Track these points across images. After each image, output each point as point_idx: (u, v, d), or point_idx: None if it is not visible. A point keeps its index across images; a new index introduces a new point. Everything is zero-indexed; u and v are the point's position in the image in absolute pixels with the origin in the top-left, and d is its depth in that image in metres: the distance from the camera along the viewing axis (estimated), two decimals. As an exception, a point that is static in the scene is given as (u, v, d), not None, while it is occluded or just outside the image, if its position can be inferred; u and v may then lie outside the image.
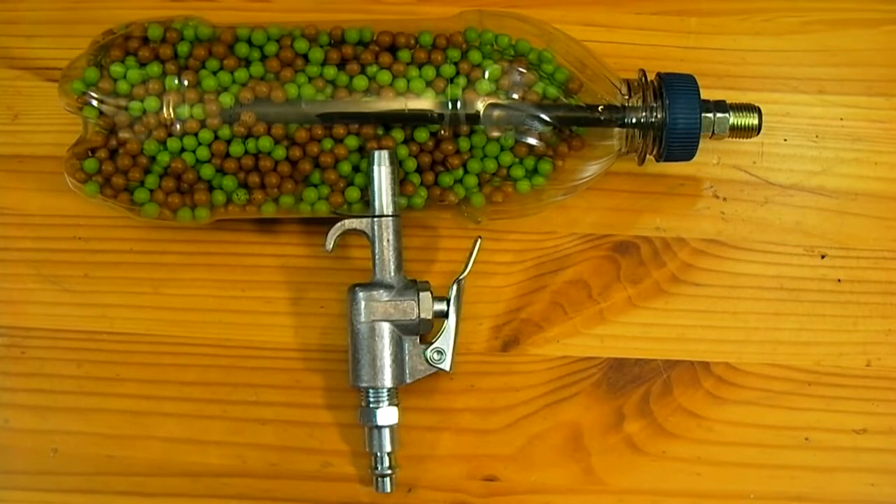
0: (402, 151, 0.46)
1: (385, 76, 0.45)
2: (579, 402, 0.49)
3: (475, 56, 0.46)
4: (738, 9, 0.53)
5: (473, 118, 0.46)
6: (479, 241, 0.48)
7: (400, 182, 0.46)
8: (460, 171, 0.47)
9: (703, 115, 0.46)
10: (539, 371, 0.49)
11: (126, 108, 0.45)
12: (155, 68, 0.45)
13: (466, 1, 0.49)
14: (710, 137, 0.47)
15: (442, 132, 0.46)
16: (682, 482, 0.48)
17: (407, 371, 0.46)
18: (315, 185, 0.46)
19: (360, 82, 0.45)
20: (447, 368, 0.46)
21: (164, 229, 0.50)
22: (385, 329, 0.45)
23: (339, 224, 0.46)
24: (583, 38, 0.48)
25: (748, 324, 0.50)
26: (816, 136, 0.52)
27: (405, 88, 0.45)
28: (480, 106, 0.45)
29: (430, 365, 0.46)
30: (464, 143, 0.46)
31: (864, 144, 0.51)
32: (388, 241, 0.46)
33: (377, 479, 0.46)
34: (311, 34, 0.46)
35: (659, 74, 0.47)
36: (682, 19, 0.53)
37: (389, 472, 0.46)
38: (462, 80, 0.46)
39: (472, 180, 0.47)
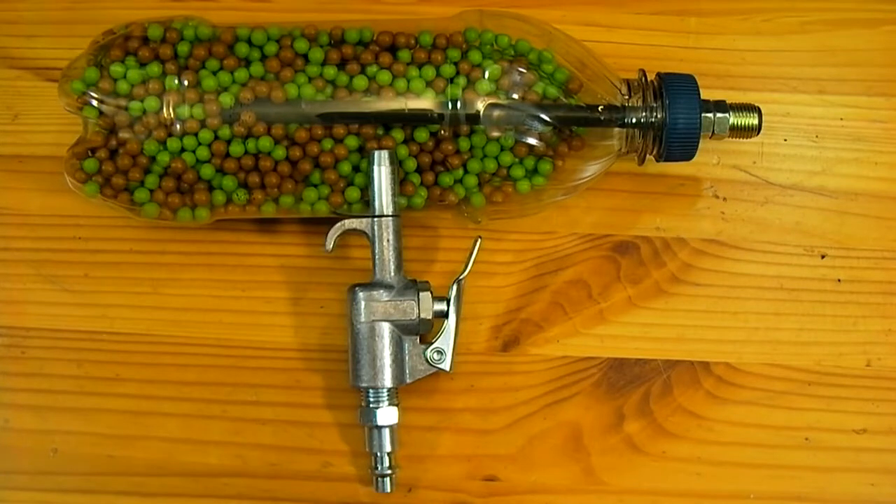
0: (402, 151, 0.46)
1: (385, 76, 0.45)
2: (579, 402, 0.49)
3: (475, 56, 0.46)
4: (738, 9, 0.53)
5: (473, 118, 0.46)
6: (479, 241, 0.48)
7: (400, 182, 0.46)
8: (460, 171, 0.47)
9: (703, 115, 0.46)
10: (539, 371, 0.49)
11: (126, 108, 0.45)
12: (155, 68, 0.45)
13: (466, 1, 0.49)
14: (710, 137, 0.47)
15: (442, 132, 0.46)
16: (682, 482, 0.48)
17: (407, 371, 0.46)
18: (315, 185, 0.46)
19: (360, 82, 0.45)
20: (447, 368, 0.46)
21: (164, 229, 0.50)
22: (385, 329, 0.45)
23: (339, 224, 0.46)
24: (583, 38, 0.48)
25: (748, 324, 0.50)
26: (816, 136, 0.52)
27: (405, 88, 0.45)
28: (480, 106, 0.45)
29: (430, 365, 0.46)
30: (464, 143, 0.46)
31: (864, 144, 0.51)
32: (388, 241, 0.46)
33: (377, 479, 0.46)
34: (311, 34, 0.46)
35: (659, 74, 0.47)
36: (682, 19, 0.53)
37: (389, 472, 0.46)
38: (462, 80, 0.46)
39: (472, 180, 0.47)
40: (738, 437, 0.49)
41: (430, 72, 0.46)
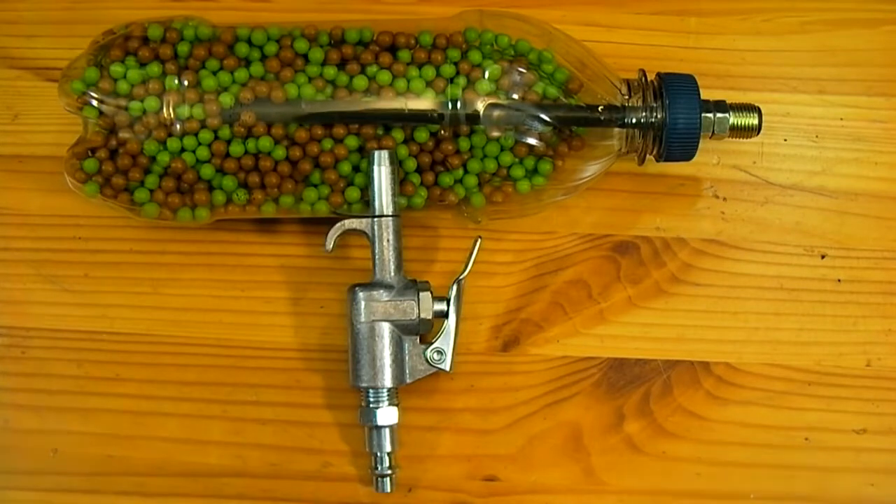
0: (402, 151, 0.46)
1: (385, 76, 0.45)
2: (579, 402, 0.49)
3: (475, 56, 0.46)
4: (738, 9, 0.53)
5: (473, 118, 0.46)
6: (479, 241, 0.48)
7: (400, 182, 0.46)
8: (460, 171, 0.47)
9: (703, 115, 0.46)
10: (539, 371, 0.49)
11: (126, 108, 0.45)
12: (155, 68, 0.45)
13: (466, 1, 0.49)
14: (710, 137, 0.47)
15: (442, 132, 0.46)
16: (682, 482, 0.48)
17: (407, 371, 0.46)
18: (315, 185, 0.46)
19: (360, 82, 0.45)
20: (447, 368, 0.46)
21: (164, 229, 0.50)
22: (385, 329, 0.45)
23: (339, 224, 0.46)
24: (583, 38, 0.48)
25: (748, 324, 0.50)
26: (816, 136, 0.52)
27: (405, 88, 0.45)
28: (480, 106, 0.45)
29: (430, 365, 0.46)
30: (464, 143, 0.46)
31: (864, 144, 0.51)
32: (388, 241, 0.46)
33: (377, 479, 0.46)
34: (311, 34, 0.46)
35: (659, 74, 0.47)
36: (682, 19, 0.53)
37: (389, 472, 0.46)
38: (462, 80, 0.46)
39: (472, 180, 0.47)
40: (738, 437, 0.49)
41: (430, 72, 0.46)
